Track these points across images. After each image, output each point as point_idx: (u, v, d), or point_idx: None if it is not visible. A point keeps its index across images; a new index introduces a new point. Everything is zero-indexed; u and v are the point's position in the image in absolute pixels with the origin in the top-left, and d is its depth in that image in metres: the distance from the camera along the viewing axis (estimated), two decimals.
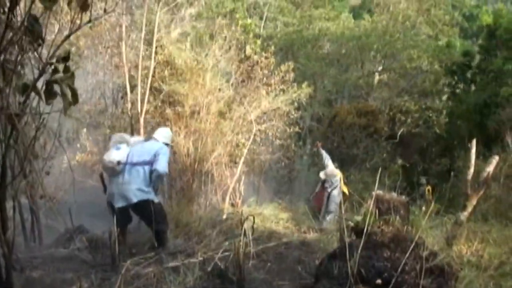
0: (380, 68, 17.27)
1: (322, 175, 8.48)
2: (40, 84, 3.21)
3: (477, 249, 4.98)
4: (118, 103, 10.21)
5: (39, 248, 5.60)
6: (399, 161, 13.04)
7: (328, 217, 8.06)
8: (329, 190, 8.31)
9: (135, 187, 5.17)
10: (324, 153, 8.93)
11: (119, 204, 5.19)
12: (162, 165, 5.32)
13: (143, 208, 5.18)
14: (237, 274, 3.96)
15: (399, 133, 14.77)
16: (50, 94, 2.96)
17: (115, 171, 5.25)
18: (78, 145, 9.85)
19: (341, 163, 12.27)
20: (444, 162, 14.81)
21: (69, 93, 2.79)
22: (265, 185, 11.50)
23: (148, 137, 5.98)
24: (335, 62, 17.41)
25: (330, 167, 8.62)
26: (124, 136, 5.60)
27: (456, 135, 15.34)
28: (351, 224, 3.99)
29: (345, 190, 8.50)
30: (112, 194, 5.27)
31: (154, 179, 5.33)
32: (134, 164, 5.26)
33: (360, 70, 16.92)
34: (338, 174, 8.55)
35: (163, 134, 5.85)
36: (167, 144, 5.70)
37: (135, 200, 5.14)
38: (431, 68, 16.60)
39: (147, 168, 5.29)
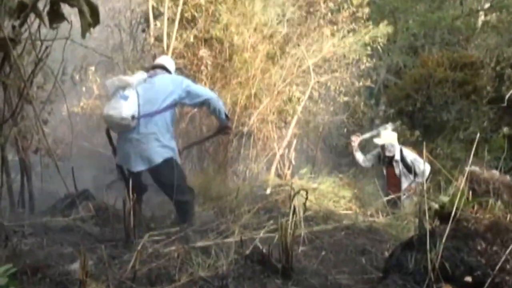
0: (486, 6, 16.65)
1: (378, 140, 8.30)
2: (41, 4, 3.25)
3: None
4: (137, 38, 10.33)
5: (29, 215, 5.79)
6: (505, 131, 12.67)
7: (417, 178, 7.96)
8: (397, 158, 8.16)
9: (157, 144, 5.25)
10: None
11: (138, 167, 5.29)
12: (208, 93, 5.57)
13: (168, 169, 5.30)
14: (283, 261, 4.02)
15: (508, 95, 14.30)
16: (55, 16, 3.00)
17: (128, 127, 5.27)
18: (84, 89, 10.06)
19: (425, 132, 12.07)
20: None
21: (87, 11, 2.83)
22: (323, 154, 11.48)
23: (150, 70, 5.84)
24: None
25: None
26: (124, 79, 5.44)
27: None
28: (435, 206, 3.96)
29: None
30: (126, 156, 5.34)
31: (219, 110, 5.52)
32: (152, 115, 5.29)
33: (458, 8, 16.38)
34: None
35: (170, 62, 5.91)
36: None
37: (159, 160, 5.25)
38: None
39: (168, 114, 5.36)
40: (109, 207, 5.75)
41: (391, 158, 8.23)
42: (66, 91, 6.98)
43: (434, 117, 12.40)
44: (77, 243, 4.54)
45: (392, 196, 7.80)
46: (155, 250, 4.39)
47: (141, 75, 5.60)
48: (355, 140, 8.75)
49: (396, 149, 8.20)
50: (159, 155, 5.24)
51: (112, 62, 10.33)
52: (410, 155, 8.19)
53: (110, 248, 4.54)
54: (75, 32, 3.93)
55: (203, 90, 5.61)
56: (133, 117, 5.20)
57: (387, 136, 8.28)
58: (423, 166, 7.77)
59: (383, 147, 8.24)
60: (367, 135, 8.88)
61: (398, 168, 8.21)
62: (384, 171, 8.48)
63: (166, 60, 5.93)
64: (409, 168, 8.13)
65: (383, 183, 8.44)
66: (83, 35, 2.98)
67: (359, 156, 8.74)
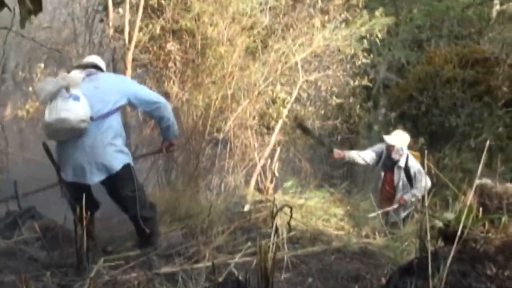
0: None
1: (390, 139, 8.30)
2: None
3: None
4: (94, 29, 10.33)
5: None
6: None
7: (414, 191, 8.07)
8: (401, 164, 8.23)
9: (113, 149, 5.24)
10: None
11: (95, 178, 5.24)
12: (162, 98, 5.66)
13: (127, 177, 5.30)
14: None
15: None
16: None
17: (83, 132, 5.20)
18: (30, 89, 10.01)
19: (431, 139, 12.13)
20: None
21: None
22: (311, 165, 11.49)
23: (84, 69, 5.74)
24: None
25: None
26: (70, 77, 5.36)
27: None
28: (439, 224, 3.98)
29: None
30: (79, 167, 5.24)
31: (168, 122, 5.58)
32: (105, 116, 5.28)
33: None
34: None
35: (102, 62, 5.96)
36: None
37: (119, 166, 5.23)
38: None
39: (119, 116, 5.42)
40: (59, 228, 5.72)
41: (395, 163, 8.28)
42: (8, 91, 6.94)
43: (441, 122, 12.46)
44: (20, 270, 4.51)
45: (385, 209, 7.91)
46: (112, 277, 4.37)
47: (79, 73, 5.54)
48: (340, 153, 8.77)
49: (404, 154, 8.24)
50: (117, 160, 5.23)
51: (64, 56, 10.31)
52: (416, 165, 8.23)
53: (59, 275, 4.52)
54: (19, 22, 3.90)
55: (156, 95, 5.67)
56: (91, 118, 5.16)
57: (400, 137, 8.29)
58: (424, 182, 7.83)
59: (389, 147, 8.25)
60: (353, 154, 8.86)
61: (399, 176, 8.26)
62: (381, 176, 8.54)
63: (98, 59, 5.98)
64: (409, 179, 8.19)
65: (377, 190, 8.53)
66: (22, 25, 2.95)
67: (355, 155, 8.74)
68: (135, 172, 5.42)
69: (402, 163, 8.22)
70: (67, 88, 5.14)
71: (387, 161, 8.37)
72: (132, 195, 5.27)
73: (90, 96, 5.20)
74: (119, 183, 5.31)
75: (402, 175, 8.24)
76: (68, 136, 5.20)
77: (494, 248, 3.59)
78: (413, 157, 8.38)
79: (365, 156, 8.69)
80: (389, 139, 8.26)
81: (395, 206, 8.10)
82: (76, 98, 5.12)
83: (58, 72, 10.32)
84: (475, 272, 3.44)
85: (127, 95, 5.42)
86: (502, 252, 3.56)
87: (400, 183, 8.26)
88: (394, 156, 8.22)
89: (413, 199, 8.05)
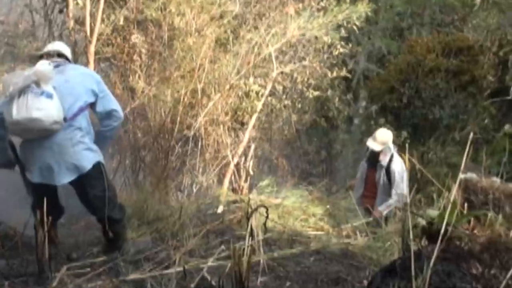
0: None
1: (375, 146, 8.27)
2: None
3: None
4: (54, 21, 10.25)
5: None
6: (506, 130, 12.83)
7: (394, 199, 8.02)
8: (383, 163, 8.21)
9: (82, 147, 5.18)
10: None
11: (63, 179, 5.16)
12: (117, 105, 5.49)
13: (98, 177, 5.24)
14: None
15: None
16: None
17: (54, 132, 5.11)
18: None
19: (414, 132, 12.19)
20: None
21: None
22: (288, 162, 11.51)
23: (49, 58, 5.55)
24: None
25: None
26: (40, 72, 5.11)
27: None
28: (422, 222, 4.00)
29: None
30: (46, 168, 5.16)
31: (112, 132, 5.51)
32: (76, 114, 5.19)
33: None
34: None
35: (68, 49, 5.81)
36: None
37: (89, 166, 5.16)
38: None
39: (88, 113, 5.34)
40: (18, 235, 5.67)
41: (378, 160, 8.27)
42: None
43: (425, 114, 12.52)
44: None
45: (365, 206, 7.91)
46: (76, 285, 4.34)
47: (47, 65, 5.30)
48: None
49: (388, 153, 8.21)
50: (87, 159, 5.16)
51: (22, 51, 10.22)
52: (398, 169, 8.12)
53: (19, 285, 4.48)
54: None
55: (117, 104, 5.57)
56: (65, 119, 5.07)
57: (384, 137, 8.22)
58: (404, 190, 7.82)
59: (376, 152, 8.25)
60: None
61: (379, 174, 8.25)
62: (364, 174, 8.53)
63: (63, 46, 5.82)
64: (390, 180, 8.17)
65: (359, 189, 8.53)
66: None
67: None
68: (106, 171, 5.37)
69: (384, 163, 8.18)
70: (37, 83, 5.00)
71: (371, 158, 8.35)
72: (102, 195, 5.21)
73: (60, 90, 5.10)
74: (89, 183, 5.24)
75: (383, 173, 8.21)
76: (37, 136, 5.11)
77: (479, 246, 3.61)
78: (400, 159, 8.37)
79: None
80: (374, 145, 8.20)
81: (375, 215, 8.05)
82: (49, 96, 4.99)
83: (15, 68, 10.25)
84: (460, 271, 3.46)
85: (96, 92, 5.32)
86: (488, 250, 3.59)
87: (381, 181, 8.25)
88: (382, 158, 8.20)
89: (387, 210, 7.98)
